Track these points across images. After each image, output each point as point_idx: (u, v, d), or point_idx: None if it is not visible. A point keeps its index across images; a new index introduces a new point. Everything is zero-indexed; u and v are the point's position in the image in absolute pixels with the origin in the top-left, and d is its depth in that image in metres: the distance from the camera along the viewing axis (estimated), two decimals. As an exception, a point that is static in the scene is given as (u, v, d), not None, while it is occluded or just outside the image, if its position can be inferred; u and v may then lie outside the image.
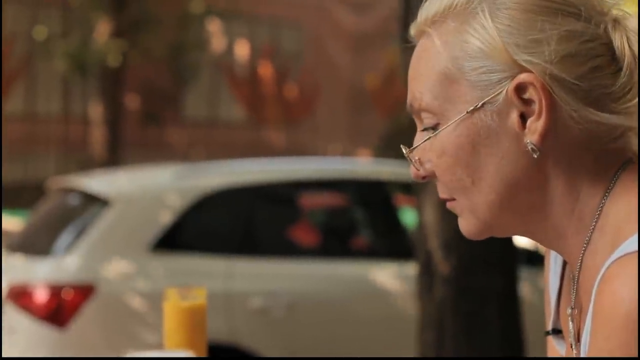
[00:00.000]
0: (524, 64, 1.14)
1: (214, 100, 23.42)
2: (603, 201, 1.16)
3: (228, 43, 23.36)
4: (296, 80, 24.71)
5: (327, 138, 24.46)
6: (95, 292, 5.03)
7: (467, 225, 1.22)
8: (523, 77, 1.14)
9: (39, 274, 5.17)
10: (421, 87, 1.20)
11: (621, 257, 1.07)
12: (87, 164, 16.70)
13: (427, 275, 4.47)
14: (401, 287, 5.55)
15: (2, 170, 15.53)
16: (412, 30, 1.23)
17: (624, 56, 1.16)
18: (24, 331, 5.06)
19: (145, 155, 18.80)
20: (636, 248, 1.06)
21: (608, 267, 1.08)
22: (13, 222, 12.24)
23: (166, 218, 5.34)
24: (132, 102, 21.20)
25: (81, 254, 5.16)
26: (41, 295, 5.00)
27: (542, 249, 1.29)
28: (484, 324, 4.44)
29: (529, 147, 1.15)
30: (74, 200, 5.85)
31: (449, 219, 4.19)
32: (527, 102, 1.15)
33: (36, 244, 5.62)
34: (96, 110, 18.00)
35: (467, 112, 1.16)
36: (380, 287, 5.58)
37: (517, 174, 1.16)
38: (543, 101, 1.14)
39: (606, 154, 1.17)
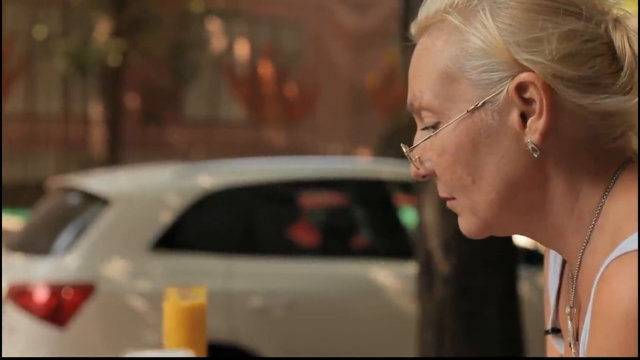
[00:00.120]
0: (524, 63, 1.14)
1: (214, 100, 23.42)
2: (603, 200, 1.16)
3: (228, 43, 23.36)
4: (296, 80, 24.71)
5: (327, 137, 24.46)
6: (95, 292, 5.03)
7: (467, 225, 1.22)
8: (524, 76, 1.14)
9: (38, 273, 5.17)
10: (421, 85, 1.20)
11: (620, 255, 1.07)
12: (87, 164, 16.70)
13: (427, 274, 4.47)
14: (401, 287, 5.55)
15: (2, 170, 15.52)
16: (413, 28, 1.23)
17: (625, 55, 1.16)
18: (23, 331, 5.06)
19: (145, 154, 18.80)
20: (635, 247, 1.06)
21: (607, 266, 1.08)
22: (13, 222, 12.24)
23: (166, 217, 5.34)
24: (132, 101, 21.20)
25: (81, 254, 5.16)
26: (41, 295, 5.00)
27: (541, 248, 1.29)
28: (484, 323, 4.44)
29: (530, 147, 1.15)
30: (74, 200, 5.85)
31: (449, 218, 4.19)
32: (528, 102, 1.15)
33: (36, 243, 5.62)
34: (96, 110, 18.00)
35: (467, 111, 1.16)
36: (380, 286, 5.58)
37: (517, 173, 1.16)
38: (544, 100, 1.14)
39: (606, 153, 1.17)
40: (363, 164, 8.53)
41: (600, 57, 1.15)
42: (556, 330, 1.29)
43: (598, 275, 1.10)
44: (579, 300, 1.20)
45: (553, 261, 1.31)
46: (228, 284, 5.27)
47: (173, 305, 2.07)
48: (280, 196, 5.89)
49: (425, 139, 1.20)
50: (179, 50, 19.66)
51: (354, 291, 5.57)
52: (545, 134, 1.14)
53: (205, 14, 20.00)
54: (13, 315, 5.06)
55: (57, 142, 20.66)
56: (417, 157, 1.22)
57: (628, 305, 1.04)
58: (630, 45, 1.16)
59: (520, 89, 1.15)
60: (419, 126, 1.22)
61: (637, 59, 1.16)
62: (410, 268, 5.17)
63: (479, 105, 1.16)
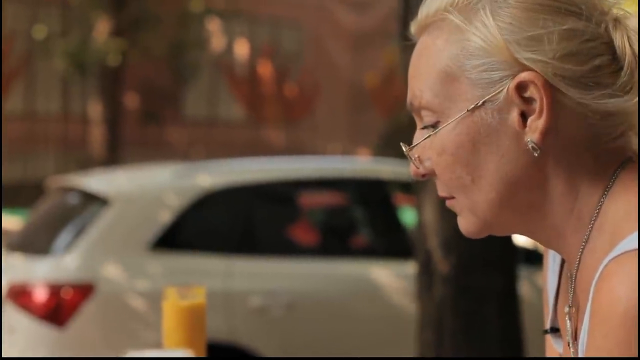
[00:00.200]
0: (525, 61, 1.14)
1: (214, 100, 23.42)
2: (602, 200, 1.16)
3: (228, 42, 23.36)
4: (296, 80, 24.71)
5: (326, 137, 24.47)
6: (95, 291, 5.03)
7: (466, 224, 1.22)
8: (524, 75, 1.14)
9: (38, 273, 5.17)
10: (421, 84, 1.19)
11: (619, 255, 1.07)
12: (87, 163, 16.70)
13: (426, 274, 4.47)
14: (400, 286, 5.55)
15: (2, 169, 15.52)
16: (413, 27, 1.23)
17: (625, 55, 1.16)
18: (23, 330, 5.06)
19: (145, 154, 18.80)
20: (634, 246, 1.06)
21: (606, 265, 1.08)
22: (12, 221, 12.24)
23: (165, 217, 5.34)
24: (131, 101, 21.20)
25: (80, 253, 5.15)
26: (40, 295, 5.00)
27: (541, 247, 1.29)
28: (483, 323, 4.44)
29: (530, 146, 1.15)
30: (73, 200, 5.85)
31: (449, 218, 4.19)
32: (528, 101, 1.15)
33: (35, 243, 5.62)
34: (96, 109, 18.00)
35: (467, 110, 1.16)
36: (379, 286, 5.58)
37: (517, 172, 1.16)
38: (544, 100, 1.14)
39: (606, 153, 1.17)
40: (362, 164, 8.53)
41: (601, 57, 1.15)
42: (555, 330, 1.29)
43: (597, 275, 1.10)
44: (578, 300, 1.20)
45: (552, 261, 1.32)
46: (227, 283, 5.27)
47: (172, 305, 2.07)
48: (279, 196, 5.89)
49: (425, 138, 1.20)
50: (178, 49, 19.67)
51: (353, 291, 5.57)
52: (546, 133, 1.14)
53: (205, 13, 20.00)
54: (12, 315, 5.06)
55: (57, 142, 20.66)
56: (416, 156, 1.22)
57: (627, 305, 1.04)
58: (630, 45, 1.16)
59: (521, 88, 1.15)
60: (419, 125, 1.22)
61: (637, 59, 1.16)
62: (410, 268, 5.17)
63: (479, 104, 1.16)
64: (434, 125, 1.19)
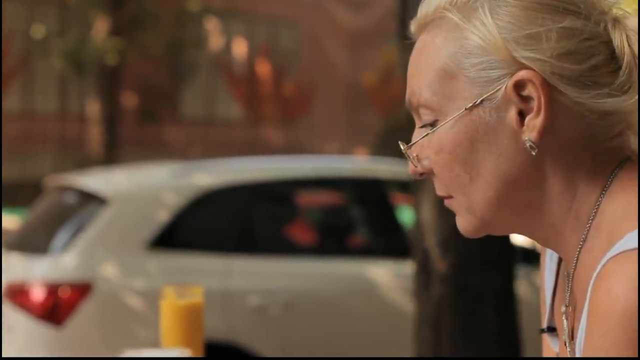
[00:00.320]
0: (523, 60, 1.14)
1: (212, 99, 23.43)
2: (600, 199, 1.16)
3: (226, 41, 23.37)
4: (293, 79, 24.72)
5: (324, 136, 24.48)
6: (93, 291, 5.03)
7: (464, 223, 1.22)
8: (522, 74, 1.14)
9: (36, 272, 5.17)
10: (420, 82, 1.19)
11: (617, 254, 1.07)
12: (85, 162, 16.70)
13: (424, 273, 4.47)
14: (398, 286, 5.55)
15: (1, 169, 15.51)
16: (413, 26, 1.23)
17: (624, 54, 1.16)
18: (21, 329, 5.06)
19: (143, 153, 18.80)
20: (632, 246, 1.06)
21: (604, 265, 1.08)
22: (10, 220, 12.24)
23: (163, 216, 5.34)
24: (129, 100, 21.20)
25: (78, 252, 5.15)
26: (38, 294, 5.00)
27: (539, 247, 1.28)
28: (481, 322, 4.44)
29: (527, 145, 1.15)
30: (71, 199, 5.85)
31: (447, 217, 4.19)
32: (526, 99, 1.15)
33: (33, 242, 5.62)
34: (93, 108, 18.00)
35: (465, 108, 1.16)
36: (377, 285, 5.58)
37: (514, 171, 1.16)
38: (542, 98, 1.14)
39: (604, 152, 1.17)
40: (360, 163, 8.53)
41: (599, 56, 1.15)
42: (552, 329, 1.29)
43: (594, 274, 1.10)
44: (575, 299, 1.20)
45: (549, 260, 1.31)
46: (225, 282, 5.27)
47: (170, 304, 2.07)
48: (277, 195, 5.89)
49: (423, 137, 1.20)
50: (176, 48, 19.67)
51: (351, 290, 5.57)
52: (543, 132, 1.14)
53: (202, 12, 20.00)
54: (10, 314, 5.06)
55: (55, 141, 20.66)
56: (414, 154, 1.22)
57: (625, 304, 1.03)
58: (629, 45, 1.16)
59: (519, 86, 1.15)
60: (417, 124, 1.22)
61: (636, 58, 1.16)
62: (408, 267, 5.17)
63: (477, 102, 1.16)
64: (432, 124, 1.19)
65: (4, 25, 18.70)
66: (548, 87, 1.14)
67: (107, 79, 17.77)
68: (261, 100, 24.19)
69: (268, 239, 5.63)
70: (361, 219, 6.17)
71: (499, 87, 1.15)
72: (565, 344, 1.22)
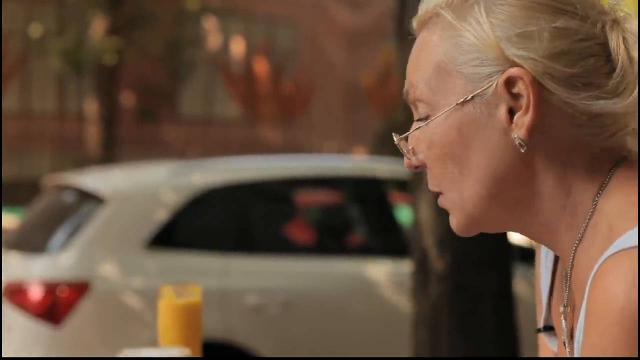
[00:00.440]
0: (515, 59, 1.14)
1: (210, 98, 23.42)
2: (596, 198, 1.16)
3: (224, 40, 23.36)
4: (291, 78, 24.72)
5: (322, 135, 24.47)
6: (91, 290, 5.03)
7: (456, 221, 1.22)
8: (513, 71, 1.14)
9: (34, 271, 5.17)
10: (418, 77, 1.21)
11: (615, 253, 1.07)
12: (83, 162, 16.69)
13: (422, 272, 4.47)
14: (396, 285, 5.55)
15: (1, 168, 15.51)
16: (414, 23, 1.24)
17: (619, 57, 1.16)
18: (19, 329, 5.06)
19: (141, 152, 18.80)
20: (630, 244, 1.06)
21: (602, 264, 1.08)
22: (9, 220, 12.23)
23: (161, 215, 5.34)
24: (127, 99, 21.19)
25: (76, 252, 5.15)
26: (36, 293, 5.00)
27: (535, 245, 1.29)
28: (478, 321, 4.44)
29: (517, 142, 1.15)
30: (69, 198, 5.85)
31: (444, 216, 4.18)
32: (516, 97, 1.15)
33: (32, 241, 5.62)
34: (91, 108, 17.99)
35: (456, 103, 1.17)
36: (375, 284, 5.58)
37: (505, 168, 1.17)
38: (531, 96, 1.14)
39: (599, 151, 1.17)
40: (358, 162, 8.53)
41: (594, 57, 1.15)
42: (548, 328, 1.30)
43: (592, 273, 1.10)
44: (573, 299, 1.20)
45: (544, 257, 1.32)
46: (223, 281, 5.27)
47: (168, 303, 2.07)
48: (275, 194, 5.89)
49: (415, 129, 1.21)
50: (174, 48, 19.66)
51: (349, 289, 5.57)
52: (532, 130, 1.14)
53: (201, 11, 20.00)
54: (8, 313, 5.06)
55: (53, 140, 20.65)
56: (411, 147, 1.23)
57: (623, 303, 1.03)
58: (625, 47, 1.16)
59: (509, 83, 1.15)
60: (415, 117, 1.23)
61: (631, 61, 1.16)
62: (406, 266, 5.17)
63: (468, 98, 1.16)
64: (427, 118, 1.20)
65: (2, 25, 18.70)
66: (538, 86, 1.14)
67: (106, 78, 17.76)
68: (259, 100, 24.19)
69: (266, 238, 5.63)
70: (359, 218, 6.17)
71: (490, 84, 1.16)
72: (564, 344, 1.22)
